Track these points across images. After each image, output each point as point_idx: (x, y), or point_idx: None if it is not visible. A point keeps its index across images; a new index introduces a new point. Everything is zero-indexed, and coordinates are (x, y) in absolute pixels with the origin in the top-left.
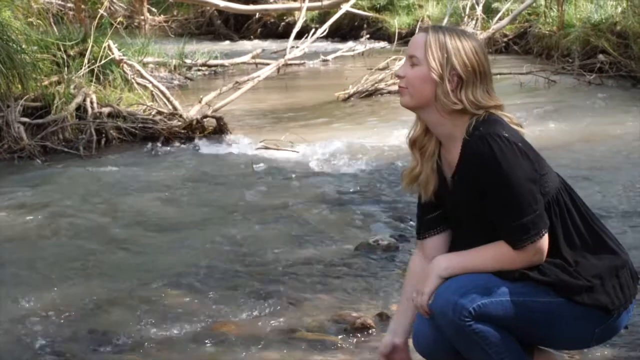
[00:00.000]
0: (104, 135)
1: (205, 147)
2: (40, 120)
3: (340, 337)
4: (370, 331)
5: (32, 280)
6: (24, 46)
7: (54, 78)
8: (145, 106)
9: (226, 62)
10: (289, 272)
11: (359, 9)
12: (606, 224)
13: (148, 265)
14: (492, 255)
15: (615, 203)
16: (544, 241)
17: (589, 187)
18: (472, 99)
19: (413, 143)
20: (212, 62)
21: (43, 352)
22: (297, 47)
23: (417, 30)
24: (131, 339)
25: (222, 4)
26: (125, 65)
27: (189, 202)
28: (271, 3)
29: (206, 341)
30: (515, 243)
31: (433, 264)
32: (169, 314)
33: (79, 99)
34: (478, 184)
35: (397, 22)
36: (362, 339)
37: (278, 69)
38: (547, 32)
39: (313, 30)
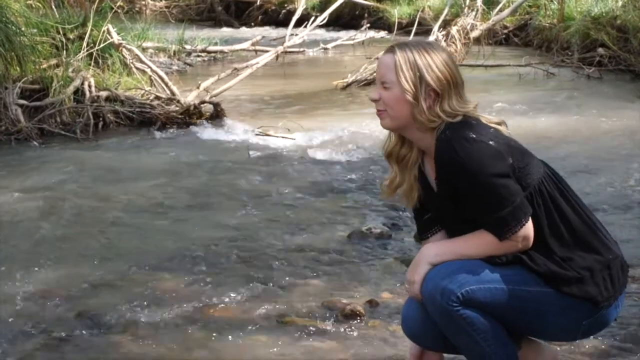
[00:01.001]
0: (101, 119)
1: (202, 132)
2: (37, 103)
3: (329, 323)
4: (359, 318)
5: (24, 262)
6: (23, 29)
7: (53, 61)
8: (143, 91)
9: (225, 48)
10: (280, 257)
11: None
12: (602, 217)
13: (140, 248)
14: (481, 242)
15: (611, 196)
16: (527, 229)
17: (586, 180)
18: (449, 110)
19: (389, 155)
20: (212, 48)
21: (33, 333)
22: (297, 35)
23: (383, 53)
24: (121, 321)
25: None
26: (124, 50)
27: (184, 187)
28: None
29: (196, 325)
30: (499, 235)
31: (422, 251)
32: (159, 297)
33: (77, 83)
34: (452, 185)
35: (397, 12)
36: (352, 325)
37: (277, 57)
38: (547, 24)
39: (313, 18)
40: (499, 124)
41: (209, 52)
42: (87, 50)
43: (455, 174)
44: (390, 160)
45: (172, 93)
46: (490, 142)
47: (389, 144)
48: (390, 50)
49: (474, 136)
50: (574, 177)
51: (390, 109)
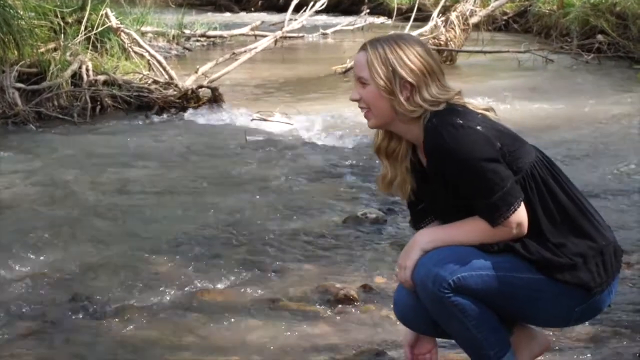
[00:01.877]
0: (98, 102)
1: (200, 117)
2: (35, 87)
3: (322, 307)
4: (353, 303)
5: (19, 245)
6: (21, 12)
7: (51, 45)
8: (141, 75)
9: (225, 33)
10: (275, 242)
11: None
12: (598, 202)
13: (135, 232)
14: (474, 229)
15: (608, 181)
16: (520, 214)
17: (582, 166)
18: (429, 99)
19: (378, 151)
20: (211, 33)
21: (26, 315)
22: (296, 20)
23: (357, 51)
24: (114, 304)
25: None
26: (122, 34)
27: (181, 171)
28: None
29: (189, 309)
30: (491, 221)
31: (416, 237)
32: (153, 280)
33: (74, 66)
34: (442, 173)
35: None
36: (345, 310)
37: (276, 41)
38: (546, 11)
39: (312, 3)
40: (486, 110)
41: (208, 37)
42: (85, 34)
43: (443, 160)
44: (380, 155)
45: (170, 77)
46: (478, 127)
47: (377, 140)
48: (363, 48)
49: (461, 122)
50: (572, 162)
51: (372, 107)
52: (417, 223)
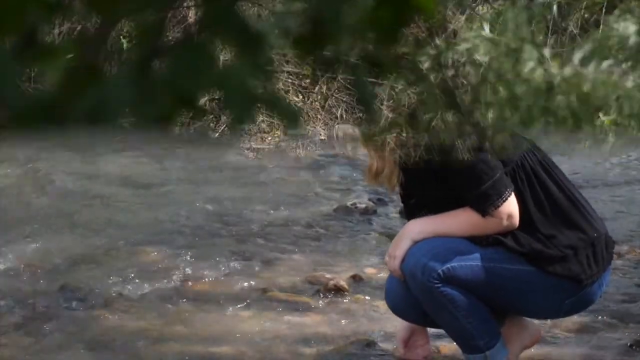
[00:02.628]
0: None
1: None
2: None
3: (312, 298)
4: (342, 293)
5: (6, 235)
6: None
7: None
8: None
9: None
10: (265, 232)
11: None
12: (589, 193)
13: (125, 222)
14: (465, 220)
15: (598, 172)
16: (510, 205)
17: (574, 158)
18: None
19: (366, 142)
20: None
21: (14, 306)
22: None
23: None
24: (103, 295)
25: None
26: None
27: (169, 161)
28: None
29: (178, 299)
30: (482, 211)
31: (406, 227)
32: (142, 271)
33: None
34: (431, 166)
35: None
36: (335, 300)
37: None
38: None
39: None
40: None
41: None
42: None
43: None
44: (367, 146)
45: None
46: None
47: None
48: None
49: None
50: (562, 152)
51: None
52: (410, 217)
